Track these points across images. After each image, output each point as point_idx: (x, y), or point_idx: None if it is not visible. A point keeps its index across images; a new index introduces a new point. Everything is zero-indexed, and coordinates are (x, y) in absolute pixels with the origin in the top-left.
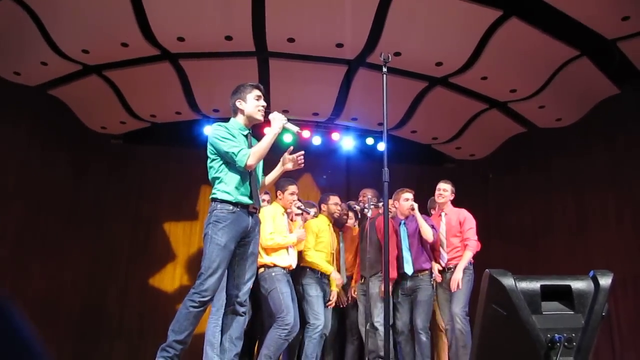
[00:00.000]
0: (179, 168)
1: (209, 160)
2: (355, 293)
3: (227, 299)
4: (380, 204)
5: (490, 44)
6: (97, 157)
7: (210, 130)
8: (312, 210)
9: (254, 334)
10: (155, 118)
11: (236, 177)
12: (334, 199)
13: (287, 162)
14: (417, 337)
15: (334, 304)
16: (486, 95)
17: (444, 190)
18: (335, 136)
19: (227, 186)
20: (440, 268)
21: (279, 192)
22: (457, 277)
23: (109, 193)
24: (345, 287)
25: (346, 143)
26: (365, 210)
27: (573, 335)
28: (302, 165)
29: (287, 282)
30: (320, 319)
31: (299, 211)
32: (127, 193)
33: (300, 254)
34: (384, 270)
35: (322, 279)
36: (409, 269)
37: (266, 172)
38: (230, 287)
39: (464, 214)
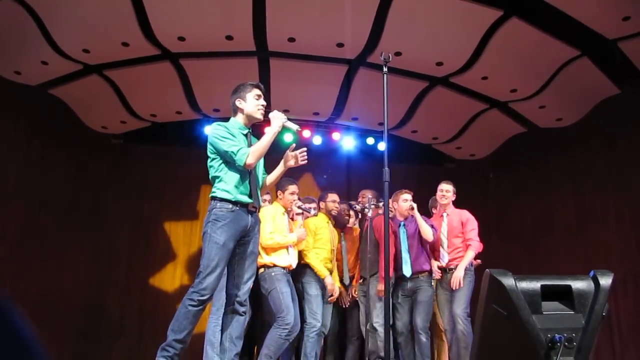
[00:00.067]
0: (179, 168)
1: (209, 160)
2: (356, 293)
3: (227, 298)
4: (381, 204)
5: (491, 43)
6: (97, 157)
7: (210, 130)
8: (313, 207)
9: (254, 334)
10: (156, 118)
11: (236, 176)
12: (332, 197)
13: (290, 159)
14: (417, 338)
15: (335, 299)
16: (487, 95)
17: (447, 191)
18: (335, 136)
19: (226, 185)
20: (441, 265)
21: (279, 192)
22: (459, 275)
23: (109, 193)
24: (346, 288)
25: (347, 143)
26: (366, 210)
27: (573, 335)
28: (306, 161)
29: (287, 282)
30: (318, 318)
31: (300, 211)
32: (127, 193)
33: (300, 253)
34: (384, 270)
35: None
36: (407, 270)
37: (267, 172)
38: (230, 286)
39: (466, 215)
